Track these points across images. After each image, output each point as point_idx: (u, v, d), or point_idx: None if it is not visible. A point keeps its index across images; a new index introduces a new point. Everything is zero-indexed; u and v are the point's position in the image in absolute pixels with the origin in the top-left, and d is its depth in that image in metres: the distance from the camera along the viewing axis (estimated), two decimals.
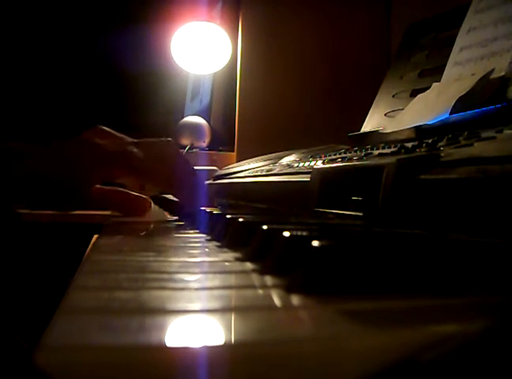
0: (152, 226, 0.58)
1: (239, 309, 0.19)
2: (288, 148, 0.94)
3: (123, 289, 0.21)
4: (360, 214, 0.39)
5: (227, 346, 0.14)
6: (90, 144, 0.58)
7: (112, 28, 1.71)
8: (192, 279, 0.24)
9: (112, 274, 0.25)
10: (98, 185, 0.60)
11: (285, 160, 0.82)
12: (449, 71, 0.68)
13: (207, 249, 0.34)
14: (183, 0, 1.56)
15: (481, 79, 0.58)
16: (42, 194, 0.57)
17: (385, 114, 0.81)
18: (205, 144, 1.54)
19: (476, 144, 0.35)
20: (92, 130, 0.63)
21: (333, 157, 0.60)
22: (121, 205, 0.64)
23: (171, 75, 1.75)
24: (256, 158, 1.02)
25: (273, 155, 0.95)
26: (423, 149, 0.41)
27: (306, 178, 0.51)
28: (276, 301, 0.20)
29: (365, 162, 0.44)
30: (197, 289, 0.22)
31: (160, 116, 1.75)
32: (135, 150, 0.59)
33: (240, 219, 0.34)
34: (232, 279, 0.24)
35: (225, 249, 0.33)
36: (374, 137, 0.76)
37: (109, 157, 0.58)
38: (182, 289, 0.22)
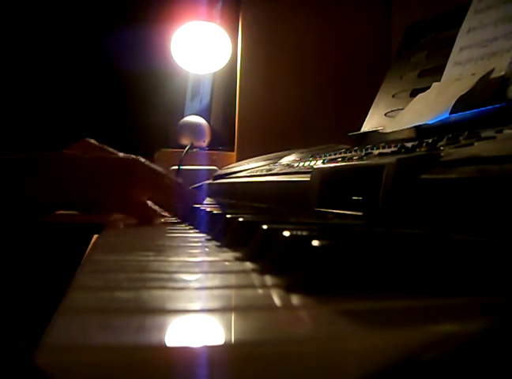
0: (151, 226, 0.58)
1: (239, 309, 0.19)
2: (288, 147, 0.94)
3: (123, 289, 0.21)
4: (360, 214, 0.39)
5: (227, 346, 0.14)
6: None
7: (112, 28, 1.71)
8: (192, 278, 0.24)
9: (112, 274, 0.25)
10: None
11: (285, 160, 0.82)
12: (449, 71, 0.68)
13: (207, 249, 0.34)
14: (183, 0, 1.56)
15: (481, 79, 0.58)
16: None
17: (385, 114, 0.81)
18: (205, 144, 1.54)
19: (476, 144, 0.35)
20: (79, 144, 0.61)
21: (333, 157, 0.60)
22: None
23: (171, 75, 1.75)
24: (256, 158, 1.02)
25: (273, 154, 0.95)
26: (423, 149, 0.41)
27: (306, 177, 0.51)
28: (276, 301, 0.20)
29: (365, 162, 0.44)
30: (197, 289, 0.22)
31: (160, 116, 1.75)
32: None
33: (240, 219, 0.34)
34: (232, 279, 0.24)
35: (225, 249, 0.33)
36: (374, 137, 0.76)
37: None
38: (182, 289, 0.22)
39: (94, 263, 0.29)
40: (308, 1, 1.41)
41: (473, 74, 0.61)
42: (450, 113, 0.57)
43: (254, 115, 1.39)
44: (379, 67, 1.20)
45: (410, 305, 0.18)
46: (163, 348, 0.14)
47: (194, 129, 1.53)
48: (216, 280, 0.24)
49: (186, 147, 1.48)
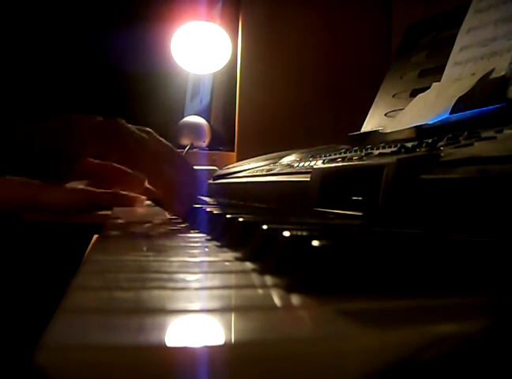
0: (151, 225, 0.58)
1: (239, 309, 0.19)
2: (288, 147, 0.94)
3: (123, 289, 0.21)
4: (360, 214, 0.39)
5: (227, 346, 0.14)
6: (77, 118, 0.51)
7: (112, 27, 1.71)
8: (192, 278, 0.24)
9: (112, 274, 0.25)
10: (90, 159, 0.54)
11: (285, 160, 0.82)
12: (449, 71, 0.68)
13: (207, 249, 0.34)
14: (183, 0, 1.56)
15: (481, 79, 0.58)
16: (29, 167, 0.53)
17: (385, 114, 0.81)
18: (205, 144, 1.54)
19: (476, 144, 0.35)
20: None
21: (333, 157, 0.60)
22: (113, 182, 0.56)
23: (171, 75, 1.75)
24: (256, 158, 1.02)
25: (273, 154, 0.95)
26: (423, 149, 0.41)
27: (306, 177, 0.52)
28: (276, 301, 0.20)
29: (365, 162, 0.44)
30: (197, 289, 0.22)
31: (160, 116, 1.75)
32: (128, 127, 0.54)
33: (240, 219, 0.34)
34: (232, 279, 0.24)
35: (225, 249, 0.33)
36: (375, 137, 0.76)
37: (99, 129, 0.52)
38: (182, 289, 0.21)
39: (94, 263, 0.29)
40: (308, 1, 1.42)
41: (473, 74, 0.61)
42: (450, 113, 0.57)
43: (254, 115, 1.39)
44: (379, 67, 1.20)
45: (410, 305, 0.18)
46: (163, 348, 0.14)
47: (194, 129, 1.54)
48: (216, 280, 0.24)
49: (186, 147, 1.48)
